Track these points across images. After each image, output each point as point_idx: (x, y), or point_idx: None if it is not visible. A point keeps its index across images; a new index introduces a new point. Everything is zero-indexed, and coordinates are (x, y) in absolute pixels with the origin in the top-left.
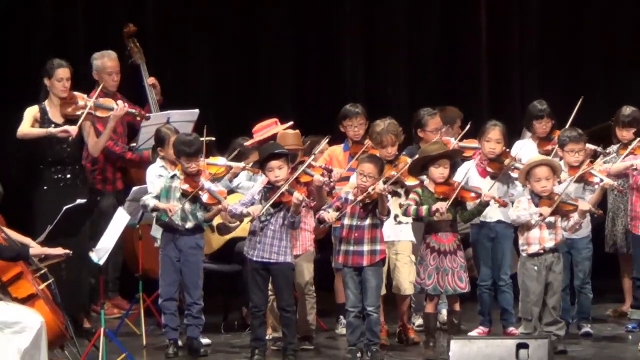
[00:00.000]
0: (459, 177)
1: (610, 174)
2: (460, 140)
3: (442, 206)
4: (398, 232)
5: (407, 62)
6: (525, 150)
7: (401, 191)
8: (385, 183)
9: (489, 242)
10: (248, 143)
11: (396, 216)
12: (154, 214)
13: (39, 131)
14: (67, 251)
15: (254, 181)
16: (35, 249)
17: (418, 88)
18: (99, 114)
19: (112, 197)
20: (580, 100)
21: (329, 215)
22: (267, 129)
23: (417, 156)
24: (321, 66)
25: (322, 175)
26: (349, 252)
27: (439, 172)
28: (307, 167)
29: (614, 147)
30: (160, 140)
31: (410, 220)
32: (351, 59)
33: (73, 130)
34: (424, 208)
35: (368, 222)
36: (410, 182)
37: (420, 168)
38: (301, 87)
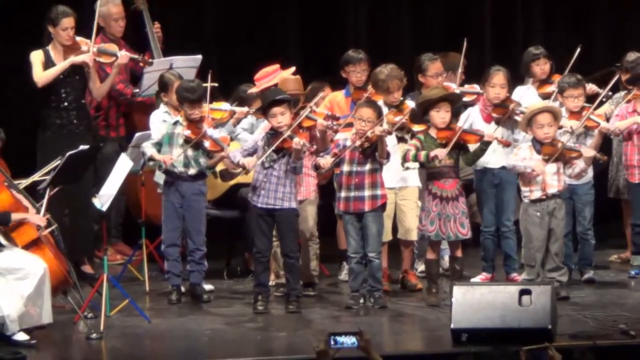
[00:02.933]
0: (462, 122)
1: (615, 131)
2: (461, 85)
3: (441, 152)
4: (405, 178)
5: (409, 7)
6: (526, 96)
7: (407, 136)
8: (390, 128)
9: (492, 188)
10: (250, 91)
11: (404, 162)
12: (151, 162)
13: (57, 67)
14: (47, 217)
15: (255, 130)
16: (17, 214)
17: (420, 33)
18: (102, 59)
19: (115, 143)
20: (579, 48)
21: (324, 160)
22: (270, 76)
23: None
24: (324, 12)
25: (325, 119)
26: (349, 198)
27: (440, 116)
28: (309, 112)
29: (621, 94)
30: (163, 85)
31: (416, 165)
32: (353, 3)
33: (89, 58)
34: (422, 153)
35: (367, 166)
36: (418, 127)
37: (421, 113)
38: (304, 32)
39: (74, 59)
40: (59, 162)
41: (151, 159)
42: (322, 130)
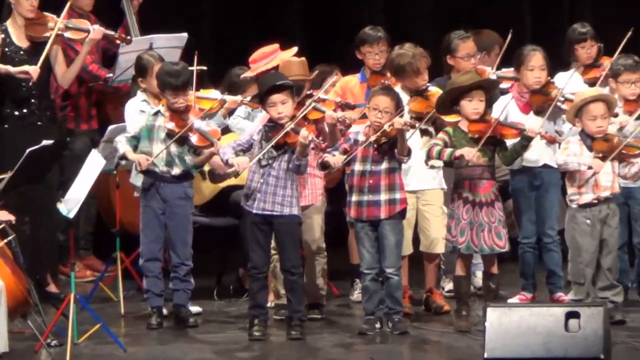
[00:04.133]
0: (496, 113)
1: None
2: (498, 69)
3: (468, 153)
4: (428, 179)
5: None
6: (570, 84)
7: (432, 129)
8: (418, 120)
9: (532, 190)
10: (245, 75)
11: (427, 160)
12: (124, 161)
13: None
14: (10, 217)
15: (252, 120)
16: None
17: (446, 8)
18: (70, 35)
19: (86, 137)
20: (630, 32)
21: (334, 158)
22: (268, 58)
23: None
24: None
25: (335, 110)
26: (362, 203)
27: (472, 106)
28: (316, 101)
29: None
30: (141, 69)
31: (441, 164)
32: None
33: (34, 71)
34: (447, 152)
35: (384, 165)
36: (450, 118)
37: (449, 103)
38: (310, 6)
39: (10, 69)
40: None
41: (124, 157)
42: (331, 124)
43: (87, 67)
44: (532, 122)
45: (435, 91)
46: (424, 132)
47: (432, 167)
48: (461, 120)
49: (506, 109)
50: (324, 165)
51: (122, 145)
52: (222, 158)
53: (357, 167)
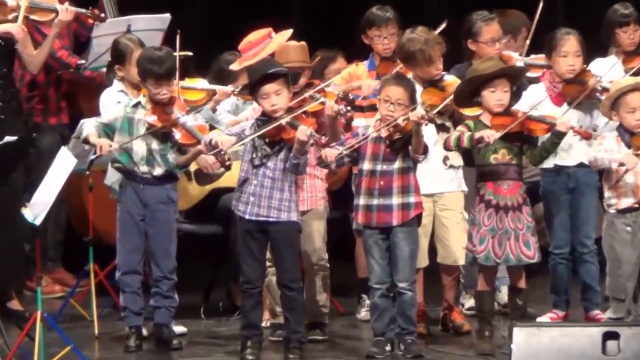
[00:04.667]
0: (523, 105)
1: None
2: (526, 55)
3: (491, 135)
4: (446, 180)
5: None
6: (610, 73)
7: (449, 124)
8: (428, 111)
9: (566, 193)
10: (235, 66)
11: (446, 158)
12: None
13: None
14: None
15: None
16: None
17: None
18: (36, 17)
19: (55, 132)
20: None
21: (329, 150)
22: (260, 45)
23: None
24: None
25: (337, 102)
26: (371, 208)
27: (495, 97)
28: (317, 92)
29: None
30: (118, 55)
31: (460, 162)
32: None
33: (17, 32)
34: (466, 135)
35: (397, 164)
36: (469, 111)
37: (469, 94)
38: None
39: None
40: None
41: (86, 140)
42: (331, 117)
43: (55, 54)
44: (565, 116)
45: (451, 81)
46: (441, 128)
47: (451, 166)
48: (483, 113)
49: (537, 98)
50: (321, 160)
51: (89, 127)
52: (205, 141)
53: (366, 166)
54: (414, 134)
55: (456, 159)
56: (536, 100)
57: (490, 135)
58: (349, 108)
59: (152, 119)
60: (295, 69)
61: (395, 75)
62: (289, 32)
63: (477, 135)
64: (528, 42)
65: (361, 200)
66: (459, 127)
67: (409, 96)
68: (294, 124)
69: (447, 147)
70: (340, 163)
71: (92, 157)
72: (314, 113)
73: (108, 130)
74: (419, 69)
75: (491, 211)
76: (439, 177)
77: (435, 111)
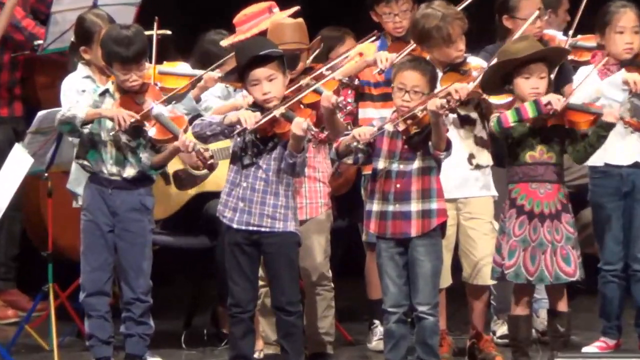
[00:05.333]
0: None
1: None
2: (573, 36)
3: (558, 99)
4: (472, 183)
5: None
6: None
7: (474, 115)
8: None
9: (618, 199)
10: (226, 42)
11: (471, 156)
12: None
13: None
14: None
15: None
16: None
17: None
18: None
19: (6, 126)
20: None
21: (363, 129)
22: (257, 18)
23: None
24: None
25: (337, 92)
26: (386, 215)
27: (530, 84)
28: (315, 79)
29: None
30: (83, 34)
31: (489, 161)
32: None
33: None
34: (528, 103)
35: (416, 164)
36: (497, 99)
37: (500, 80)
38: None
39: None
40: None
41: (87, 121)
42: (327, 109)
43: (19, 23)
44: (616, 105)
45: (476, 64)
46: (464, 120)
47: (478, 166)
48: (517, 103)
49: (585, 84)
50: (340, 153)
51: (79, 106)
52: (203, 130)
53: (380, 166)
54: (433, 126)
55: (483, 157)
56: (578, 85)
57: (558, 100)
58: (349, 100)
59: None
60: (292, 50)
61: (410, 58)
62: (295, 9)
63: (544, 99)
64: (576, 19)
65: (374, 207)
66: (496, 113)
67: (428, 82)
68: (289, 116)
69: (502, 126)
70: (354, 160)
71: (111, 136)
72: (312, 105)
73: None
74: (437, 50)
75: (523, 219)
76: (464, 178)
77: (459, 101)
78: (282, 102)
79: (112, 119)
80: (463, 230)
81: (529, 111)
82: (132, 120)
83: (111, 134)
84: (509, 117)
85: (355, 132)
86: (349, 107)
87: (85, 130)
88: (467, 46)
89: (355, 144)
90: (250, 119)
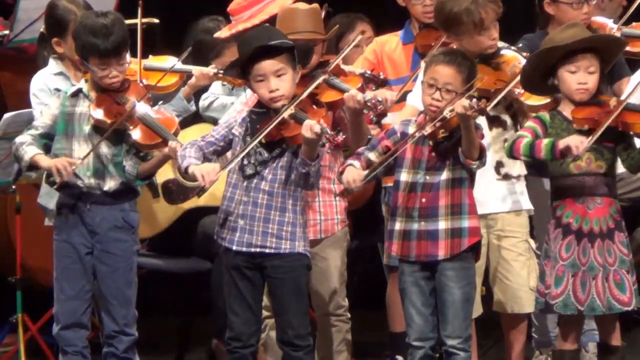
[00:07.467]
0: (624, 94)
1: None
2: (626, 24)
3: (580, 142)
4: (501, 196)
5: None
6: None
7: (506, 117)
8: (475, 100)
9: None
10: (223, 33)
11: (499, 165)
12: (33, 173)
13: None
14: None
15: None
16: None
17: None
18: None
19: None
20: None
21: (352, 172)
22: (258, 5)
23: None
24: None
25: (361, 89)
26: (410, 234)
27: (578, 79)
28: (334, 73)
29: None
30: (56, 23)
31: (522, 171)
32: None
33: None
34: (545, 143)
35: (445, 175)
36: (534, 101)
37: (542, 75)
38: None
39: None
40: None
41: (32, 166)
42: (354, 109)
43: None
44: None
45: (511, 56)
46: (495, 122)
47: (507, 176)
48: (562, 101)
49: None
50: (342, 191)
51: (29, 148)
52: (181, 165)
53: (403, 177)
54: (463, 130)
55: (513, 166)
56: (635, 85)
57: (580, 144)
58: (379, 99)
59: (99, 113)
60: (305, 41)
61: (444, 50)
62: None
63: (561, 144)
64: (633, 6)
65: (396, 225)
66: (528, 123)
67: (463, 81)
68: (299, 117)
69: (513, 155)
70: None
71: (54, 187)
72: (330, 105)
73: (45, 141)
74: (466, 37)
75: (571, 239)
76: (492, 191)
77: (493, 102)
78: (293, 101)
79: (49, 171)
80: (494, 251)
81: (543, 151)
82: (74, 167)
83: (54, 187)
84: (521, 149)
85: (345, 178)
86: (380, 107)
87: (33, 175)
88: (500, 34)
89: (347, 193)
90: (209, 176)
